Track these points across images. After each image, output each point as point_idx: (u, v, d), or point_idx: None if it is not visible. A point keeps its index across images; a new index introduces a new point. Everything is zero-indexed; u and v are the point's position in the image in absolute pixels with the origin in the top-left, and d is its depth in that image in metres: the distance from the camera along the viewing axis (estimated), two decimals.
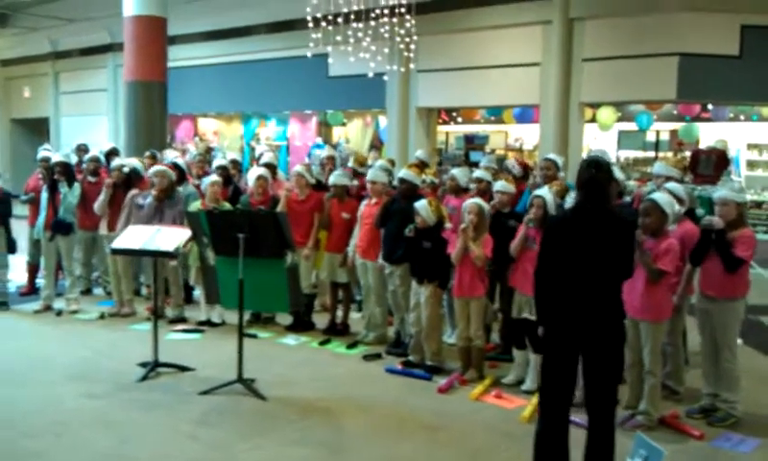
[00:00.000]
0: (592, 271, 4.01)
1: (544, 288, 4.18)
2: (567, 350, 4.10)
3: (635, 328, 5.25)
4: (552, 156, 7.72)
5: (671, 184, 5.97)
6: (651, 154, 16.44)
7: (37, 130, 23.12)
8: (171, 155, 10.26)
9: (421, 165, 8.53)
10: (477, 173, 7.55)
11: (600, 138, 16.42)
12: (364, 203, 7.41)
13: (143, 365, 6.37)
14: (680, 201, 5.73)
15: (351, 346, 7.29)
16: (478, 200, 6.32)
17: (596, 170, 4.07)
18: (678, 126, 15.86)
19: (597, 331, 4.03)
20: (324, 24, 10.70)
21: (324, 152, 10.39)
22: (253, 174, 8.21)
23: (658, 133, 16.47)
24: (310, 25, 10.61)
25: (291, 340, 7.55)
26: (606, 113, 14.67)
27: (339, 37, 10.95)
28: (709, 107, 14.78)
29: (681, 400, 5.83)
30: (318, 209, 7.73)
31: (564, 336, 4.09)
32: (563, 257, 4.07)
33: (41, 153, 9.64)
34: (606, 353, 4.06)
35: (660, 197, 5.31)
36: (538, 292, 4.24)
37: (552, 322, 4.13)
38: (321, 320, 7.96)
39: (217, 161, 9.47)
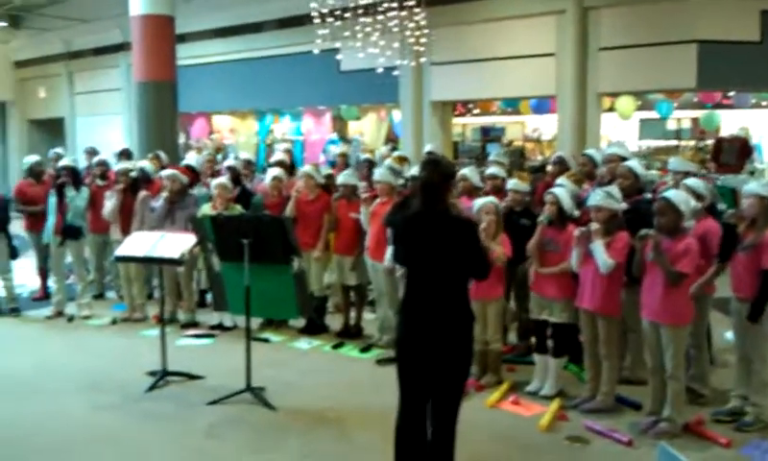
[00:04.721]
0: (430, 274, 3.93)
1: None
2: (414, 349, 3.96)
3: (655, 332, 5.04)
4: (590, 151, 7.49)
5: (690, 180, 5.73)
6: (673, 142, 16.13)
7: (54, 130, 23.12)
8: (190, 156, 10.14)
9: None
10: (491, 170, 7.34)
11: (621, 128, 16.13)
12: (377, 201, 7.21)
13: (152, 374, 6.25)
14: (698, 197, 5.49)
15: (365, 349, 7.13)
16: (493, 198, 6.11)
17: (430, 171, 3.99)
18: (699, 114, 15.53)
19: (437, 333, 3.90)
20: (331, 19, 10.50)
21: (337, 149, 10.21)
22: (270, 174, 8.10)
23: (679, 121, 16.15)
24: (316, 21, 10.42)
25: (304, 344, 7.40)
26: (625, 102, 14.36)
27: (347, 33, 10.75)
28: (731, 93, 14.42)
29: (706, 403, 5.59)
30: (328, 210, 7.58)
31: (410, 336, 3.98)
32: (405, 260, 4.11)
33: (28, 158, 9.49)
34: (447, 356, 3.91)
35: (673, 194, 5.06)
36: None
37: (401, 319, 4.10)
38: (335, 322, 7.81)
39: (227, 162, 9.30)
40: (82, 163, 10.41)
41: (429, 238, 3.93)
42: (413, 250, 4.01)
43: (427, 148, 9.95)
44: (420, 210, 3.99)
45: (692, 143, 15.71)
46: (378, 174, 7.17)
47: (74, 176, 8.49)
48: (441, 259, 3.91)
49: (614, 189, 5.54)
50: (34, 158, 9.43)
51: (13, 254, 8.54)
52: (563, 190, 5.81)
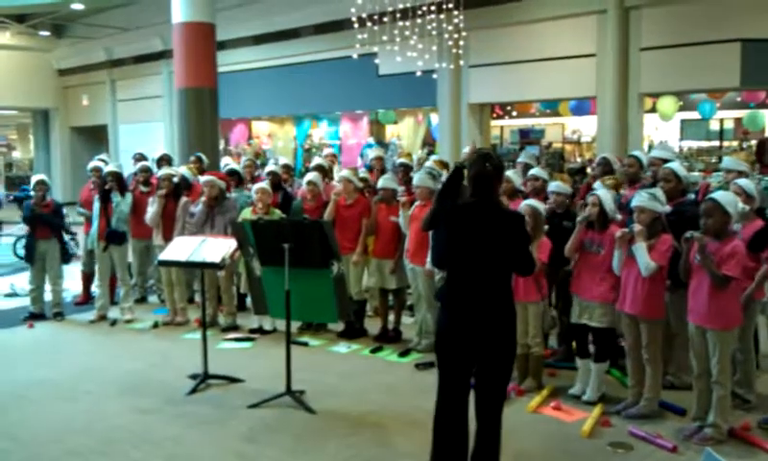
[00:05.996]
0: (477, 265, 3.95)
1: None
2: (458, 338, 3.97)
3: (701, 336, 4.93)
4: (637, 152, 7.39)
5: (741, 181, 5.61)
6: (715, 143, 15.86)
7: (96, 138, 23.53)
8: (226, 162, 10.22)
9: None
10: (533, 171, 7.27)
11: (662, 129, 15.91)
12: (416, 204, 7.20)
13: (193, 377, 6.31)
14: (748, 198, 5.38)
15: (404, 354, 7.11)
16: (532, 201, 6.05)
17: (482, 163, 4.02)
18: (742, 113, 15.24)
19: (482, 322, 3.92)
20: (369, 24, 10.53)
21: (373, 152, 10.21)
22: (306, 179, 8.16)
23: (721, 121, 15.87)
24: (355, 25, 10.46)
25: (342, 348, 7.41)
26: (666, 103, 14.16)
27: (385, 37, 10.77)
28: None
29: (752, 408, 5.47)
30: (366, 214, 7.59)
31: (455, 326, 3.99)
32: (450, 249, 4.06)
33: (92, 163, 9.67)
34: (493, 347, 3.94)
35: (721, 195, 4.94)
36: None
37: (444, 310, 4.10)
38: (373, 325, 7.81)
39: (268, 167, 9.39)
40: (130, 169, 10.55)
41: (478, 228, 3.96)
42: (460, 238, 4.01)
43: (465, 150, 9.92)
44: (471, 201, 4.02)
45: (735, 144, 15.42)
46: (417, 178, 7.16)
47: (119, 181, 8.62)
48: (488, 250, 3.94)
49: (659, 191, 5.45)
50: (93, 164, 9.55)
51: (66, 259, 8.73)
52: (606, 192, 5.75)
